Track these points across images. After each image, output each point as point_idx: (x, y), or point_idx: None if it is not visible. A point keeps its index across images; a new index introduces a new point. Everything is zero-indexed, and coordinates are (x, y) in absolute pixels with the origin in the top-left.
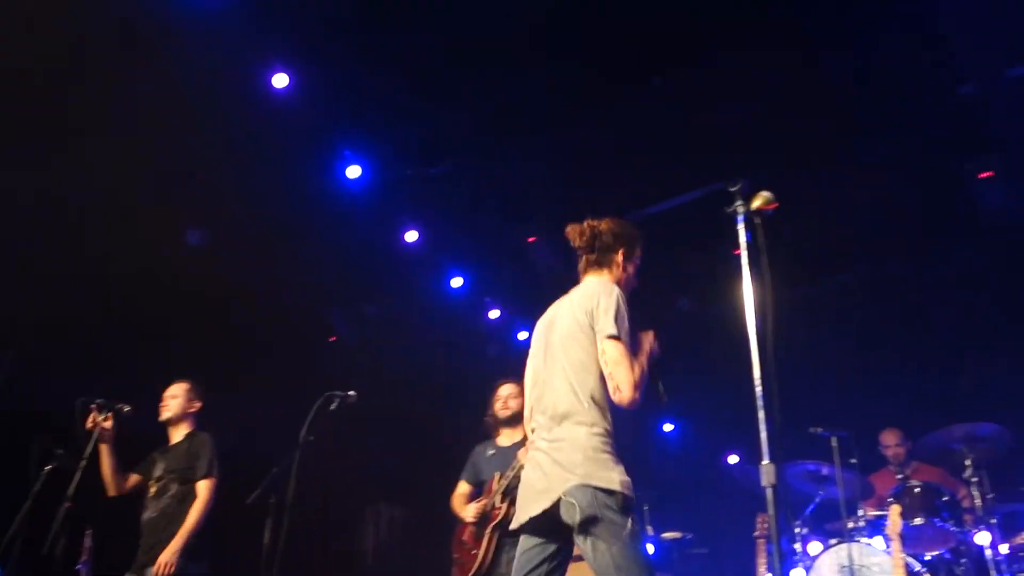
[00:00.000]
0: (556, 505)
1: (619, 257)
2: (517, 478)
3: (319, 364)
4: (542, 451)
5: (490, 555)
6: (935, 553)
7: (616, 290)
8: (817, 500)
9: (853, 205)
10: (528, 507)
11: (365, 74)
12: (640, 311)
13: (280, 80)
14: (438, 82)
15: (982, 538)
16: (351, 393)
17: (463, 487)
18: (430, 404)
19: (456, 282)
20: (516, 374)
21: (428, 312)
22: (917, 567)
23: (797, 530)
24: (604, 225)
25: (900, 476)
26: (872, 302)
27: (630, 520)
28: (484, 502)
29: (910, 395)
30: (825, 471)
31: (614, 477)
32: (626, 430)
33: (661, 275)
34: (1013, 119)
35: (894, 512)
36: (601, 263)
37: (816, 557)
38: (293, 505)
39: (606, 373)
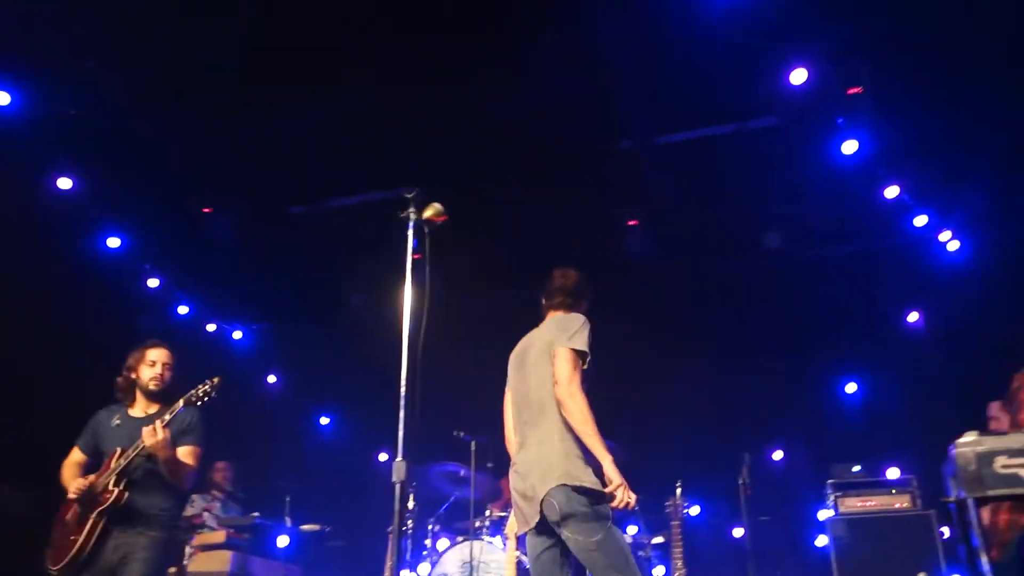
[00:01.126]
0: (542, 507)
1: (585, 305)
2: (140, 458)
3: None
4: (526, 462)
5: (92, 542)
6: None
7: (584, 318)
8: (452, 499)
9: (521, 234)
10: (525, 516)
11: None
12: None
13: None
14: (127, 26)
15: None
16: None
17: (77, 455)
18: (63, 373)
19: (113, 242)
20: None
21: (74, 270)
22: (528, 564)
23: (431, 527)
24: (583, 278)
25: None
26: (525, 321)
27: (602, 511)
28: (94, 480)
29: None
30: (463, 473)
31: (584, 477)
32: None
33: (342, 268)
34: (656, 178)
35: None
36: (571, 307)
37: (443, 553)
38: None
39: (553, 370)
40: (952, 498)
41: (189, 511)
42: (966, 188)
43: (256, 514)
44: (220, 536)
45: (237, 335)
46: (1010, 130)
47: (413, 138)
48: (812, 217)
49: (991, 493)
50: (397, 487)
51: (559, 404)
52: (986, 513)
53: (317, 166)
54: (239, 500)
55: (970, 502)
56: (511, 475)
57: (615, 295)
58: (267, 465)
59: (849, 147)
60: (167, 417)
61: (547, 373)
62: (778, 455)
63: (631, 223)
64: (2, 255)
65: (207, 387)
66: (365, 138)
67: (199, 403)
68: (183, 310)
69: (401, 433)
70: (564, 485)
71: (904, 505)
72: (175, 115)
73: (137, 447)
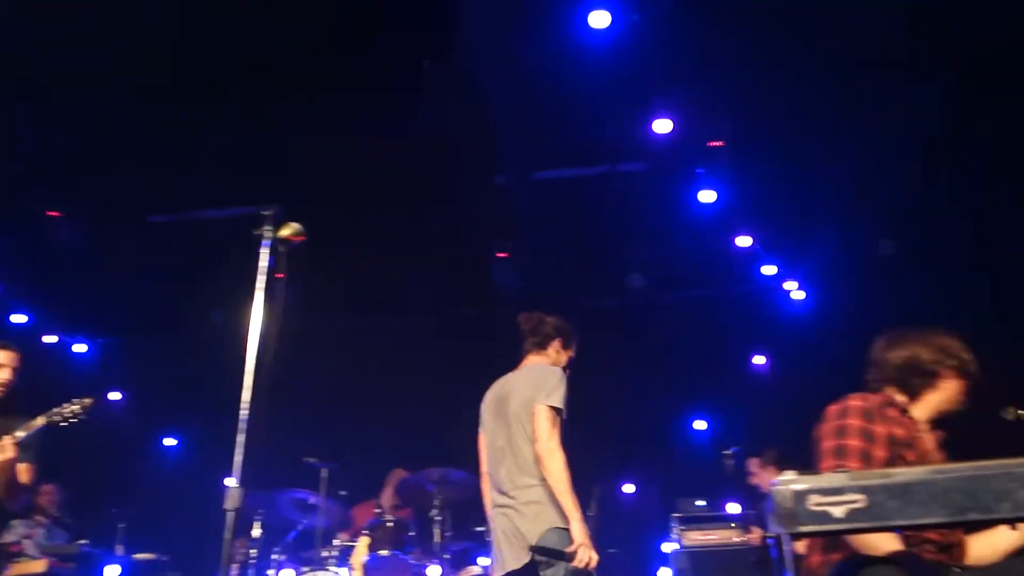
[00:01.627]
0: (532, 554)
1: (557, 345)
2: None
3: None
4: (511, 508)
5: None
6: None
7: (561, 373)
8: (300, 528)
9: (389, 259)
10: (508, 559)
11: None
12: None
13: None
14: None
15: (433, 571)
16: None
17: None
18: None
19: None
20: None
21: None
22: None
23: (275, 556)
24: (549, 319)
25: (378, 510)
26: (385, 349)
27: (583, 548)
28: None
29: (404, 436)
30: (313, 500)
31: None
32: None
33: (198, 283)
34: (531, 213)
35: (362, 543)
36: (541, 346)
37: None
38: None
39: (533, 427)
40: (772, 533)
41: (7, 537)
42: (812, 243)
43: (84, 541)
44: (40, 565)
45: (80, 348)
46: (853, 192)
47: (281, 154)
48: (671, 260)
49: (803, 529)
50: (229, 516)
51: (538, 459)
52: (803, 550)
53: (180, 175)
54: (66, 526)
55: (785, 538)
56: (495, 514)
57: (477, 324)
58: (102, 489)
59: (707, 196)
60: (20, 434)
61: (529, 428)
62: (629, 488)
63: (500, 255)
64: None
65: (77, 407)
66: (233, 150)
67: (64, 424)
68: (20, 319)
69: (239, 458)
70: (557, 527)
71: (743, 539)
72: (21, 107)
73: None
